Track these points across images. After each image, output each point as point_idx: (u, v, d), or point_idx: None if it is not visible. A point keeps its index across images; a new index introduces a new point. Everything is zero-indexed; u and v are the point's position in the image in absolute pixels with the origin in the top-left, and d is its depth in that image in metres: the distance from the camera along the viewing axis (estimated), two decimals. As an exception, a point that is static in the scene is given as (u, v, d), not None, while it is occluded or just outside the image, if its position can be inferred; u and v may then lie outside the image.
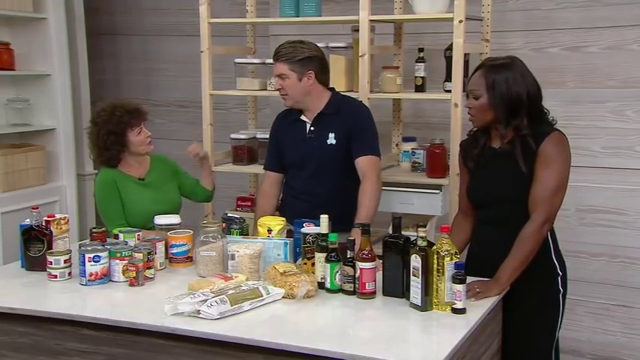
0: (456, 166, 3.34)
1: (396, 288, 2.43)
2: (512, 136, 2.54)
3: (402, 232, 2.49)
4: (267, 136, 3.37)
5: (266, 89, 3.86)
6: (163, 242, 2.82)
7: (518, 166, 2.51)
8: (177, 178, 3.38)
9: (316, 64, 3.06)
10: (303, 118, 3.15)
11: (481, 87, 2.54)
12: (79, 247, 2.70)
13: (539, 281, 2.56)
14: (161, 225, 2.94)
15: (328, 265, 2.50)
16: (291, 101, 3.11)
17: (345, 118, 3.09)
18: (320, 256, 2.54)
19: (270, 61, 3.83)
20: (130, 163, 3.22)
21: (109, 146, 3.16)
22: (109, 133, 3.15)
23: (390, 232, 2.52)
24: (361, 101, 3.35)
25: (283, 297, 2.42)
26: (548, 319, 2.61)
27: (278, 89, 3.12)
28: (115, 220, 3.09)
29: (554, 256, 2.60)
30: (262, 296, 2.36)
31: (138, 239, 2.84)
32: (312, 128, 3.13)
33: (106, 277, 2.63)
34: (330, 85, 3.20)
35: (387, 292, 2.46)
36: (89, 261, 2.59)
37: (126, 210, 3.14)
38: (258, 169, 3.74)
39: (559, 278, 2.61)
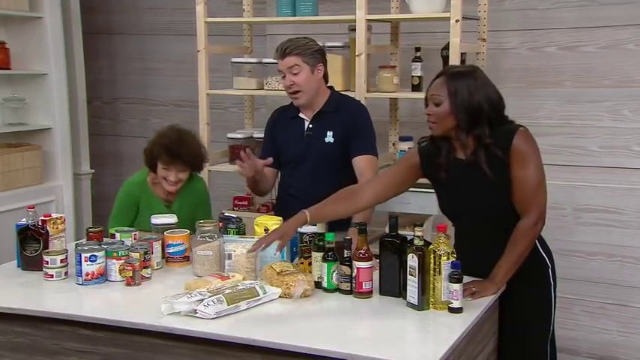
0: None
1: (393, 287, 2.44)
2: (474, 145, 2.49)
3: (399, 232, 2.49)
4: (263, 137, 3.35)
5: (263, 89, 3.85)
6: (160, 242, 2.82)
7: (486, 175, 2.47)
8: (197, 214, 3.16)
9: (324, 58, 3.07)
10: (301, 115, 3.14)
11: (442, 93, 2.50)
12: (76, 247, 2.69)
13: (530, 276, 2.55)
14: (157, 224, 2.93)
15: (325, 265, 2.50)
16: (305, 97, 3.05)
17: (343, 117, 3.09)
18: (317, 256, 2.54)
19: (268, 60, 3.86)
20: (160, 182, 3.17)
21: (146, 162, 3.17)
22: (147, 150, 3.15)
23: (387, 231, 2.52)
24: (359, 101, 3.36)
25: (280, 296, 2.42)
26: (542, 314, 2.61)
27: (289, 85, 3.03)
28: (119, 225, 3.07)
29: (541, 249, 2.59)
30: (259, 296, 2.36)
31: (134, 239, 2.84)
32: (310, 126, 3.12)
33: (102, 276, 2.62)
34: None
35: (383, 292, 2.46)
36: (85, 261, 2.59)
37: (139, 223, 3.11)
38: (254, 168, 3.74)
39: (549, 271, 2.60)
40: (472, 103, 2.46)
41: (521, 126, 2.51)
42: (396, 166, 2.76)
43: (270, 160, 3.04)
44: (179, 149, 3.08)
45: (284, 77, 3.06)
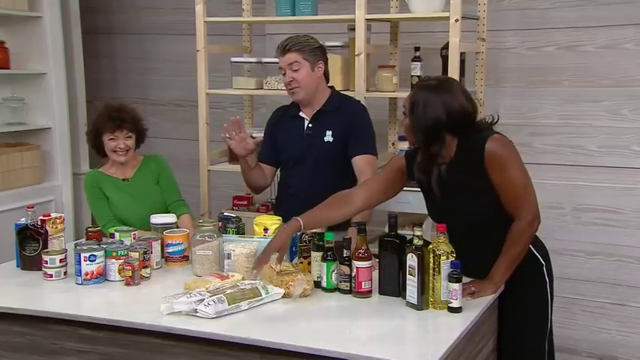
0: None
1: (392, 287, 2.44)
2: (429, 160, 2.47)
3: (398, 231, 2.49)
4: (263, 135, 3.36)
5: (262, 88, 3.85)
6: (159, 241, 2.82)
7: (456, 186, 2.45)
8: (160, 182, 3.30)
9: (325, 57, 3.07)
10: (301, 114, 3.14)
11: (406, 106, 2.50)
12: (75, 247, 2.69)
13: (525, 275, 2.55)
14: (157, 224, 2.93)
15: (324, 264, 2.50)
16: (303, 93, 3.06)
17: (343, 117, 3.09)
18: (316, 255, 2.54)
19: (267, 59, 3.85)
20: (114, 163, 3.24)
21: (92, 144, 3.28)
22: (89, 133, 3.27)
23: (386, 231, 2.52)
24: (359, 101, 3.36)
25: (279, 296, 2.43)
26: (539, 311, 2.60)
27: (288, 82, 3.05)
28: (103, 219, 3.15)
29: (534, 248, 2.58)
30: (261, 296, 2.36)
31: (134, 238, 2.84)
32: (309, 125, 3.13)
33: (101, 276, 2.62)
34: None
35: (383, 291, 2.46)
36: (85, 260, 2.59)
37: (112, 211, 3.19)
38: (254, 168, 3.73)
39: (544, 268, 2.60)
40: (427, 119, 2.42)
41: (496, 132, 2.49)
42: (384, 171, 2.75)
43: (260, 138, 3.05)
44: (119, 114, 3.19)
45: (284, 74, 3.06)
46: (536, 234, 2.57)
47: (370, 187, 2.70)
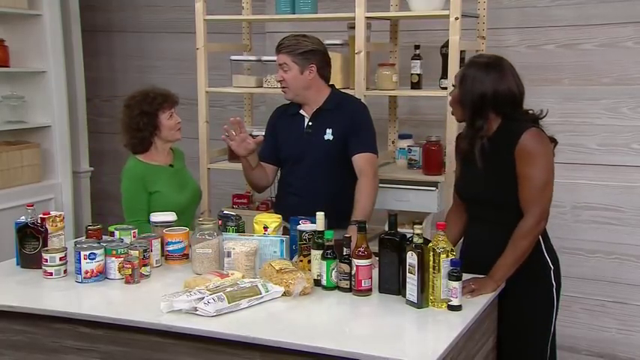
0: (453, 164, 3.35)
1: (392, 285, 2.44)
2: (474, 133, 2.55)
3: (398, 230, 2.49)
4: (263, 133, 3.35)
5: (262, 86, 3.85)
6: (159, 240, 2.82)
7: (486, 168, 2.51)
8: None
9: (318, 58, 3.07)
10: (302, 112, 3.15)
11: (457, 80, 2.58)
12: (75, 245, 2.69)
13: (532, 277, 2.56)
14: (157, 222, 2.93)
15: (324, 263, 2.50)
16: (291, 94, 3.10)
17: (343, 115, 3.09)
18: (316, 254, 2.54)
19: (267, 58, 3.86)
20: (158, 150, 3.21)
21: (142, 127, 3.15)
22: (142, 114, 3.14)
23: (386, 229, 2.52)
24: (360, 99, 3.36)
25: (279, 294, 2.43)
26: (542, 314, 2.62)
27: (279, 81, 3.11)
28: (136, 215, 3.10)
29: (545, 251, 2.60)
30: (261, 294, 2.36)
31: (134, 237, 2.84)
32: (309, 123, 3.13)
33: (101, 274, 2.62)
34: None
35: (383, 290, 2.46)
36: (85, 258, 2.59)
37: (155, 202, 3.12)
38: (254, 166, 3.73)
39: (551, 272, 2.61)
40: (474, 93, 2.50)
41: (536, 126, 2.54)
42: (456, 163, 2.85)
43: (261, 138, 3.06)
44: (167, 91, 3.21)
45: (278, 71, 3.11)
46: (549, 239, 2.61)
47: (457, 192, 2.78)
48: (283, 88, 3.10)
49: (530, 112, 2.61)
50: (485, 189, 2.57)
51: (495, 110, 2.52)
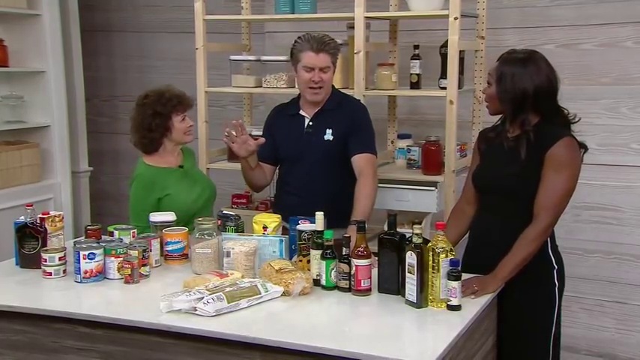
0: (452, 163, 3.36)
1: (392, 285, 2.44)
2: (519, 131, 2.56)
3: (398, 229, 2.49)
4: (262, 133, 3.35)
5: (261, 86, 3.85)
6: (158, 239, 2.82)
7: (520, 158, 2.53)
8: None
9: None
10: (302, 113, 3.14)
11: (493, 76, 2.59)
12: (74, 245, 2.69)
13: (534, 275, 2.56)
14: (156, 222, 2.93)
15: (324, 262, 2.50)
16: (324, 95, 3.08)
17: (343, 115, 3.09)
18: (315, 254, 2.54)
19: (266, 58, 3.86)
20: (167, 151, 3.17)
21: (154, 128, 3.11)
22: (155, 115, 3.10)
23: (386, 229, 2.52)
24: (359, 100, 3.36)
25: (279, 294, 2.43)
26: (543, 314, 2.62)
27: (316, 82, 3.02)
28: (141, 220, 3.04)
29: (550, 250, 2.60)
30: (260, 294, 2.36)
31: (133, 236, 2.84)
32: (310, 123, 3.13)
33: (100, 274, 2.62)
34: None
35: (382, 289, 2.46)
36: (84, 258, 2.59)
37: (167, 204, 3.08)
38: (253, 166, 3.73)
39: (555, 272, 2.62)
40: (515, 90, 2.53)
41: (571, 135, 2.56)
42: (472, 158, 2.86)
43: (262, 139, 3.05)
44: (182, 93, 3.17)
45: (309, 71, 3.02)
46: (555, 239, 2.63)
47: (469, 185, 2.78)
48: (319, 89, 3.05)
49: (565, 111, 2.62)
50: (505, 177, 2.58)
51: (534, 106, 2.54)
